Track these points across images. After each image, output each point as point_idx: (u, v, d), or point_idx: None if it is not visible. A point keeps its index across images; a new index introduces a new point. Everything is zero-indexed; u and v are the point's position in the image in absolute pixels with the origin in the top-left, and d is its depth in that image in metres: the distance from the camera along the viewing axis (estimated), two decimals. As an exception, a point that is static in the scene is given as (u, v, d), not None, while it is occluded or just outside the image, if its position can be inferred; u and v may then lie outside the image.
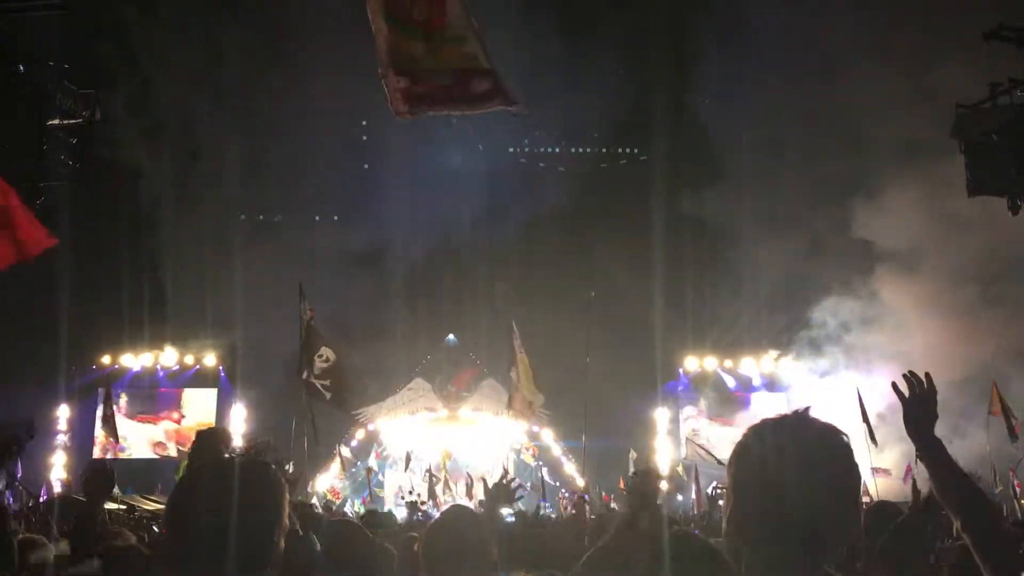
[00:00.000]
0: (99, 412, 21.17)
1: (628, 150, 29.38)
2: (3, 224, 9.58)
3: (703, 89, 25.97)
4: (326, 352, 11.85)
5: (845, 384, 17.54)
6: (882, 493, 15.00)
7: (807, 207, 22.06)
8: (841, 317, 22.68)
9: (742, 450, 1.75)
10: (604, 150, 30.27)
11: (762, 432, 1.76)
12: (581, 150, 29.92)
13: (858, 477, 1.73)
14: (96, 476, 2.94)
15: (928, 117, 16.76)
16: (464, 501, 19.37)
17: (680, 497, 19.02)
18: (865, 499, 13.17)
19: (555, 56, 25.38)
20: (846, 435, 1.74)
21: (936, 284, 20.66)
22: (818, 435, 1.72)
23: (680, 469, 20.96)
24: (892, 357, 20.87)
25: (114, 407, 18.70)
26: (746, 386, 25.80)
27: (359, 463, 24.30)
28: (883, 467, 17.43)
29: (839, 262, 22.29)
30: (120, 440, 18.56)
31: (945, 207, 18.43)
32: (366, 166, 28.63)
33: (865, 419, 15.53)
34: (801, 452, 1.69)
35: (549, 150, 30.22)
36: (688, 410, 26.34)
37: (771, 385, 25.41)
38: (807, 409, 1.77)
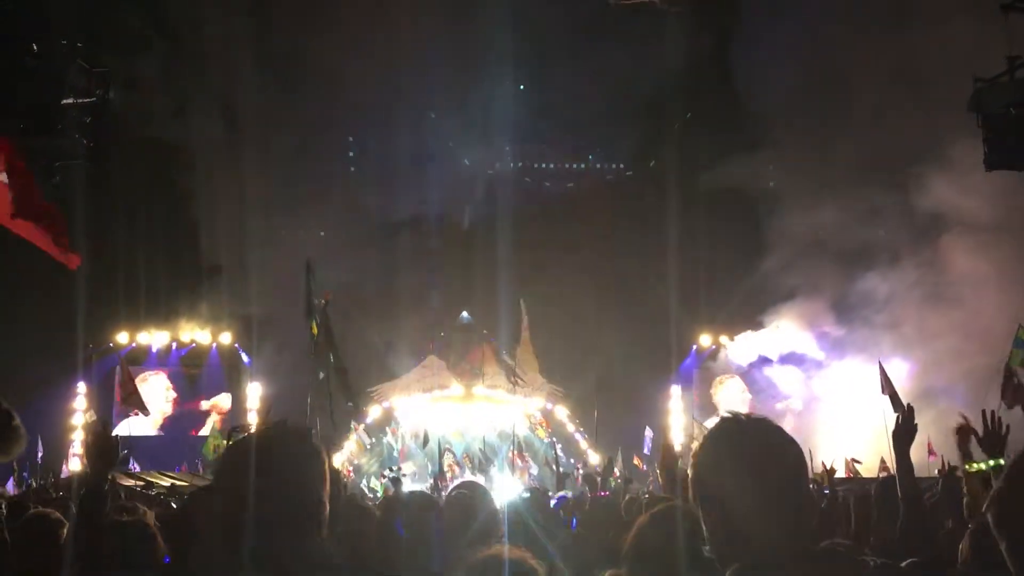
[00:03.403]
0: (117, 388, 21.26)
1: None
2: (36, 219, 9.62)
3: (727, 59, 25.45)
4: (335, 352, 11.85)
5: (866, 360, 17.43)
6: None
7: (834, 178, 21.81)
8: (860, 293, 22.53)
9: (698, 457, 1.88)
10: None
11: (714, 439, 1.87)
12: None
13: (796, 473, 1.80)
14: (97, 444, 2.91)
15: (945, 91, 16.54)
16: (478, 478, 19.47)
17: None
18: (883, 473, 13.16)
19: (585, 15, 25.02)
20: (781, 427, 1.83)
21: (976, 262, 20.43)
22: (762, 436, 1.81)
23: (694, 445, 20.98)
24: (914, 338, 20.78)
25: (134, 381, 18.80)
26: (761, 361, 25.69)
27: (373, 440, 24.42)
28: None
29: (860, 236, 22.12)
30: (147, 411, 18.58)
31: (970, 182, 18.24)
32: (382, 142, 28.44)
33: (887, 391, 15.48)
34: (748, 455, 1.78)
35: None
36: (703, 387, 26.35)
37: (788, 359, 25.31)
38: (748, 414, 1.87)
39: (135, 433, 23.29)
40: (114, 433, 3.01)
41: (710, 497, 1.80)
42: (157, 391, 25.25)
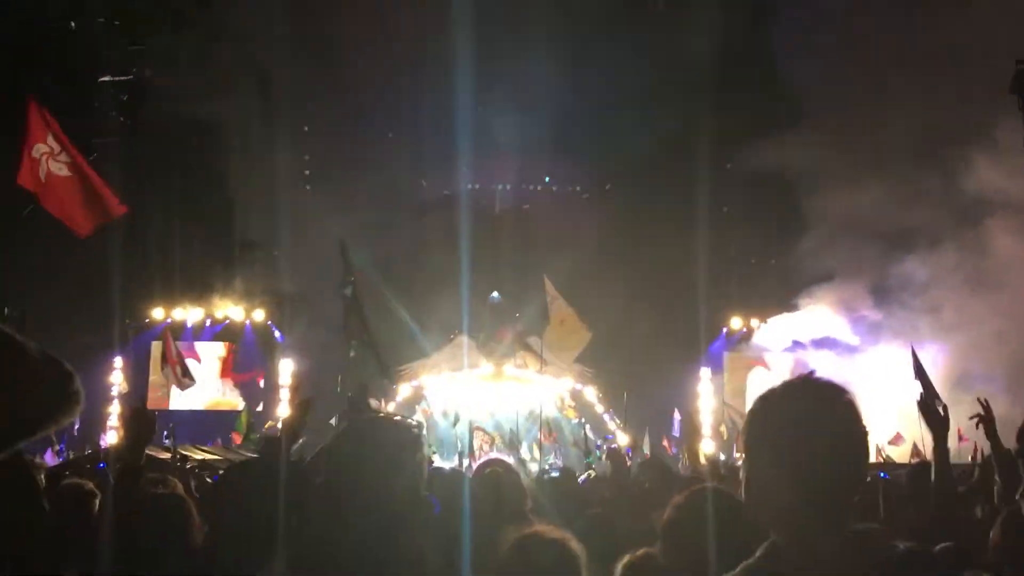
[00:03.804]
0: (158, 358, 21.46)
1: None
2: (77, 191, 9.84)
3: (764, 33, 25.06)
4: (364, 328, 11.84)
5: (902, 345, 17.22)
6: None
7: (872, 158, 21.48)
8: (898, 277, 22.24)
9: (751, 417, 1.79)
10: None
11: (769, 399, 1.79)
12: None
13: (864, 435, 1.75)
14: (134, 420, 2.99)
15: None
16: (507, 457, 19.55)
17: (723, 456, 18.98)
18: (915, 459, 13.05)
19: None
20: (851, 395, 1.76)
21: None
22: (827, 397, 1.75)
23: (723, 429, 20.91)
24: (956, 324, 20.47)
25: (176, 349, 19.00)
26: (794, 345, 25.46)
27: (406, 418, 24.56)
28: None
29: (894, 219, 21.80)
30: (189, 380, 18.77)
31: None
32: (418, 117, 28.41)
33: (920, 376, 15.34)
34: (805, 416, 1.72)
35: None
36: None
37: (822, 344, 25.01)
38: (811, 373, 1.81)
39: (179, 407, 23.67)
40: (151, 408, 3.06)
41: (752, 463, 1.78)
42: (209, 363, 25.72)
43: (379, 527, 1.90)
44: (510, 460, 14.52)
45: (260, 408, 24.27)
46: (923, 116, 20.64)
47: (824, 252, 23.07)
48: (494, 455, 18.21)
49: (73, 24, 14.26)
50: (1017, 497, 2.77)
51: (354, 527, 1.91)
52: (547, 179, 28.27)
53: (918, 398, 3.88)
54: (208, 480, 8.39)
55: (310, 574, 1.94)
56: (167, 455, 13.14)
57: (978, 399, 4.02)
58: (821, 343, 24.95)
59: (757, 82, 24.90)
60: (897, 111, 21.29)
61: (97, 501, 3.38)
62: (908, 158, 21.29)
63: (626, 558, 2.80)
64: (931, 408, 3.75)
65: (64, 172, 10.08)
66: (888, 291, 22.92)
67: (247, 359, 26.41)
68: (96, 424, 22.07)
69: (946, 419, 3.73)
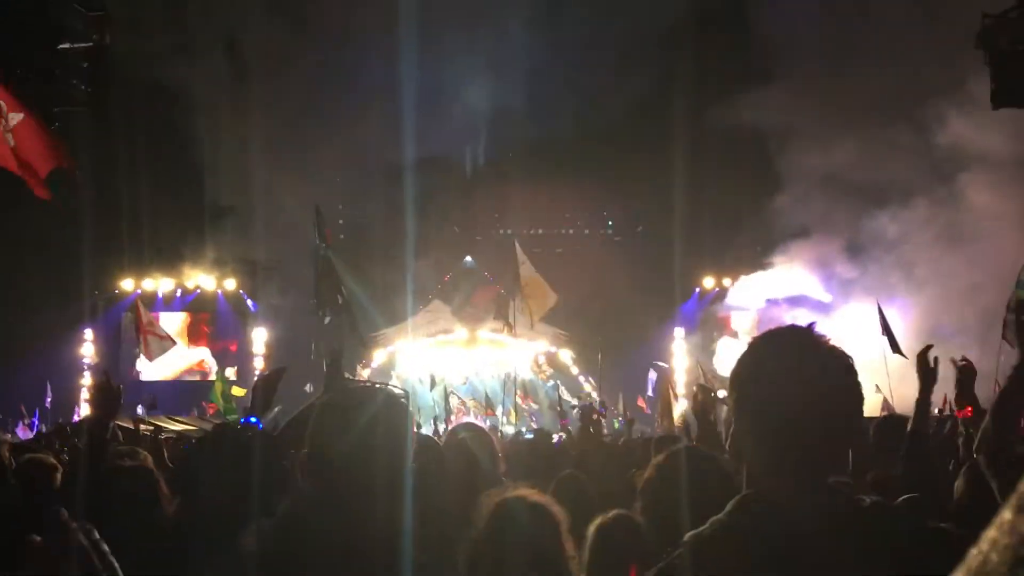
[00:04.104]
0: (129, 330, 21.23)
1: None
2: (30, 144, 9.60)
3: None
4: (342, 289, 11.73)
5: (875, 301, 17.35)
6: (900, 408, 15.00)
7: (844, 114, 21.42)
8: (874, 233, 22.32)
9: (741, 366, 1.73)
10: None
11: (761, 347, 1.74)
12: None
13: (861, 395, 1.70)
14: (99, 393, 2.95)
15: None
16: (483, 421, 19.64)
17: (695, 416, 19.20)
18: (883, 413, 13.21)
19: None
20: (848, 353, 1.70)
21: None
22: (820, 350, 1.69)
23: (695, 389, 21.11)
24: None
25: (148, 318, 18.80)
26: (767, 304, 25.60)
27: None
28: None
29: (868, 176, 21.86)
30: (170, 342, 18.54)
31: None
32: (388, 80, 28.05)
33: (886, 332, 15.51)
34: (802, 368, 1.66)
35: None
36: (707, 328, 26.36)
37: (795, 302, 25.11)
38: (811, 325, 1.73)
39: (151, 379, 23.51)
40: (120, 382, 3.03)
41: (735, 415, 1.74)
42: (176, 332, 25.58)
43: (371, 501, 1.88)
44: (485, 424, 14.58)
45: (234, 377, 24.17)
46: (894, 71, 20.66)
47: (797, 209, 23.09)
48: (466, 420, 18.31)
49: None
50: (974, 451, 2.83)
51: (345, 501, 1.88)
52: (520, 142, 28.05)
53: (918, 350, 3.91)
54: (182, 450, 8.35)
55: (293, 545, 1.91)
56: (141, 427, 13.06)
57: (963, 357, 4.06)
58: (794, 301, 25.08)
59: (729, 39, 24.77)
60: (868, 67, 21.29)
61: (59, 475, 3.36)
62: (880, 114, 21.32)
63: (598, 520, 2.81)
64: (926, 360, 3.78)
65: (10, 139, 9.79)
66: (861, 247, 23.04)
67: (221, 329, 26.27)
68: (69, 397, 21.92)
69: (935, 372, 3.78)
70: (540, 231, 28.11)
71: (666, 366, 23.37)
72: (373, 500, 1.85)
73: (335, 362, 4.34)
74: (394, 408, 1.94)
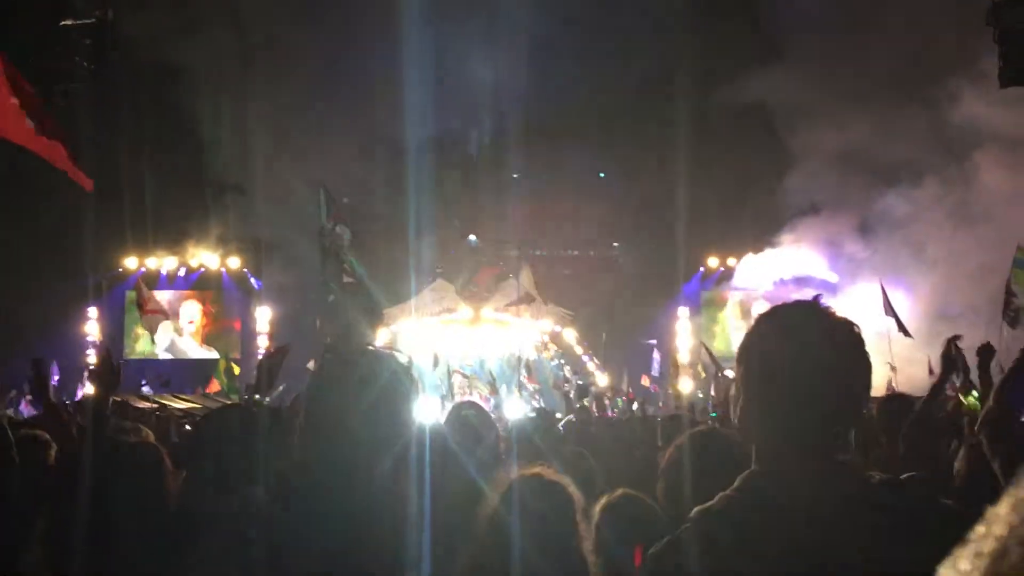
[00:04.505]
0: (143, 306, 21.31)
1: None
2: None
3: None
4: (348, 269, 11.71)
5: (881, 280, 17.28)
6: (903, 387, 15.02)
7: (853, 91, 21.18)
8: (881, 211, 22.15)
9: (749, 340, 1.72)
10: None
11: (769, 321, 1.73)
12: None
13: (868, 369, 1.68)
14: (100, 369, 2.96)
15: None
16: (487, 401, 19.69)
17: (700, 395, 19.22)
18: (888, 392, 13.21)
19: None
20: (857, 325, 1.70)
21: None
22: (828, 324, 1.68)
23: (700, 368, 21.10)
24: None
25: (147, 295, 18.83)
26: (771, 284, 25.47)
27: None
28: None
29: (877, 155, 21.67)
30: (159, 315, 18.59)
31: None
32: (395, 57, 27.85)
33: (891, 312, 15.50)
34: (810, 341, 1.65)
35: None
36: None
37: (800, 283, 24.94)
38: (817, 297, 1.72)
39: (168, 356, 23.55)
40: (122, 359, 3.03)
41: (743, 390, 1.73)
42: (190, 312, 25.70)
43: (366, 458, 1.87)
44: (491, 403, 14.62)
45: (238, 356, 24.24)
46: (905, 48, 20.39)
47: (804, 188, 22.89)
48: (468, 398, 18.35)
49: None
50: (975, 430, 2.86)
51: (339, 458, 1.88)
52: (524, 120, 27.92)
53: (925, 330, 4.01)
54: (187, 428, 8.40)
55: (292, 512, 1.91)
56: (147, 404, 13.12)
57: (956, 336, 4.06)
58: (800, 281, 24.87)
59: (736, 16, 24.52)
60: (878, 43, 21.02)
61: (53, 451, 3.37)
62: (890, 91, 21.06)
63: (603, 499, 2.80)
64: (951, 348, 3.86)
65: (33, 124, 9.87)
66: (869, 226, 22.88)
67: (226, 308, 26.29)
68: (74, 374, 21.97)
69: (957, 360, 3.87)
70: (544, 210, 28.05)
71: (653, 342, 23.35)
72: (368, 457, 1.84)
73: (338, 341, 4.35)
74: (390, 367, 1.94)
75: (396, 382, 1.96)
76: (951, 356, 3.80)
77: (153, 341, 20.97)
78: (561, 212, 28.02)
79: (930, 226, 21.22)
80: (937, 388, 3.79)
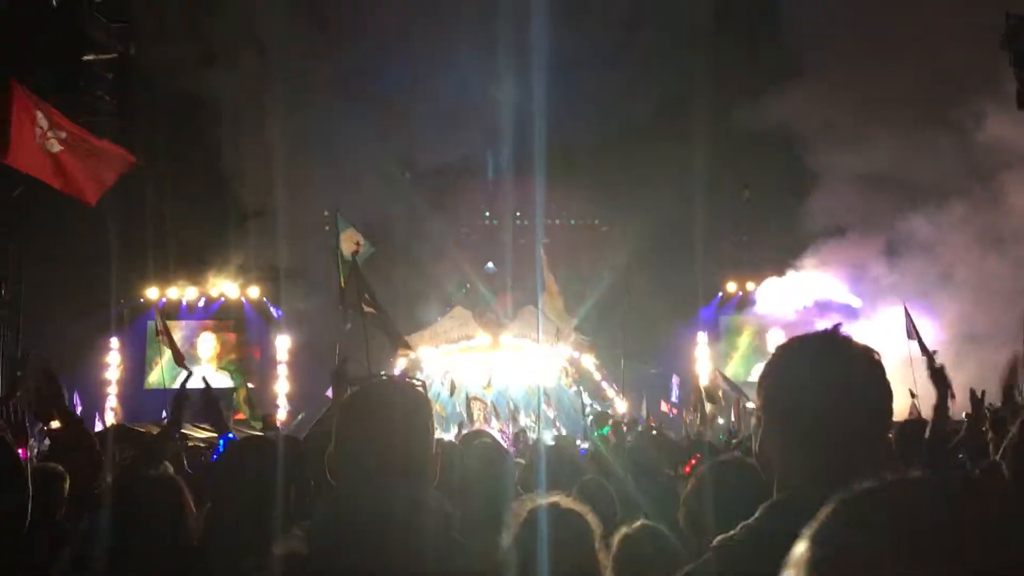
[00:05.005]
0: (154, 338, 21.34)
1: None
2: (77, 161, 9.87)
3: None
4: (368, 298, 11.68)
5: (904, 303, 17.01)
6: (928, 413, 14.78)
7: (877, 113, 20.98)
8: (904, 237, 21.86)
9: (770, 370, 1.72)
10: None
11: (790, 352, 1.72)
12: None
13: (890, 396, 1.69)
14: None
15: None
16: (507, 428, 19.61)
17: (721, 420, 19.08)
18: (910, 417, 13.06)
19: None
20: (878, 353, 1.69)
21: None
22: (849, 353, 1.68)
23: (720, 394, 20.96)
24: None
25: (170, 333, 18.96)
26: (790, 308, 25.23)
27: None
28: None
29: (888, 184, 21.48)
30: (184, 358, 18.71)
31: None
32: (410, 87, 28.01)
33: (914, 335, 15.31)
34: (831, 371, 1.65)
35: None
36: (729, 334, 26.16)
37: (822, 307, 24.60)
38: (837, 326, 1.72)
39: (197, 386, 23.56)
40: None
41: (764, 418, 1.72)
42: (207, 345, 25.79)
43: (394, 490, 1.87)
44: (510, 430, 14.53)
45: (252, 386, 24.25)
46: (928, 69, 20.17)
47: (827, 210, 22.55)
48: (481, 427, 18.24)
49: (55, 2, 14.05)
50: (999, 457, 2.80)
51: (370, 494, 1.87)
52: (542, 144, 28.00)
53: (929, 359, 3.98)
54: (203, 458, 8.41)
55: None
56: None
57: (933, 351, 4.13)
58: (823, 306, 24.45)
59: (756, 36, 24.39)
60: (901, 64, 20.79)
61: (66, 484, 3.40)
62: (915, 112, 20.77)
63: (623, 530, 2.78)
64: (940, 371, 3.84)
65: (57, 148, 10.11)
66: (894, 249, 22.52)
67: (246, 338, 26.40)
68: (96, 404, 22.10)
69: (947, 379, 3.83)
70: (559, 227, 28.05)
71: (653, 371, 23.18)
72: (396, 488, 1.84)
73: (341, 370, 4.38)
74: (411, 398, 1.96)
75: (419, 411, 1.97)
76: (942, 377, 3.82)
77: (188, 370, 21.03)
78: (579, 236, 28.06)
79: (956, 248, 20.97)
80: (939, 409, 3.78)
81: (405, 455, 1.89)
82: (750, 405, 16.71)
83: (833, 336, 1.71)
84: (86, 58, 14.88)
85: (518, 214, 28.43)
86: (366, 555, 1.76)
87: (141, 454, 2.81)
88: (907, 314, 15.49)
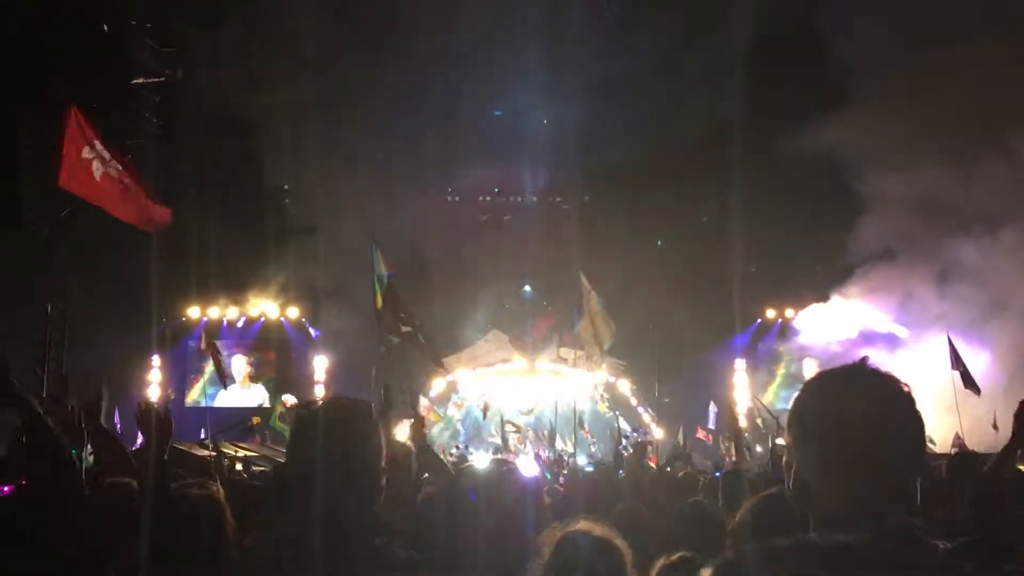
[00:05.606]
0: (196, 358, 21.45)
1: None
2: (129, 192, 10.18)
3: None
4: (405, 318, 11.78)
5: (954, 335, 16.56)
6: (972, 444, 14.49)
7: (922, 139, 20.62)
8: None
9: (800, 406, 1.72)
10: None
11: (820, 386, 1.72)
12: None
13: (922, 428, 1.68)
14: (145, 419, 3.03)
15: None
16: (543, 453, 19.55)
17: (759, 449, 18.84)
18: (954, 449, 12.82)
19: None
20: (907, 385, 1.69)
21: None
22: (879, 387, 1.67)
23: (760, 422, 20.72)
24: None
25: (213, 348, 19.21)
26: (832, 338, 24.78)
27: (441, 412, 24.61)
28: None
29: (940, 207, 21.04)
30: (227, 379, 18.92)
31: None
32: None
33: (958, 365, 14.99)
34: (861, 405, 1.65)
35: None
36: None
37: (865, 337, 24.13)
38: (864, 360, 1.72)
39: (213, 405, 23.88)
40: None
41: (796, 452, 1.72)
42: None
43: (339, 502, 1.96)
44: (546, 454, 14.48)
45: (287, 406, 24.40)
46: (985, 93, 19.82)
47: (874, 237, 22.15)
48: (530, 452, 18.10)
49: (106, 27, 14.39)
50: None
51: (318, 513, 1.98)
52: (579, 170, 27.97)
53: (999, 386, 3.84)
54: (241, 476, 8.47)
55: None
56: (205, 452, 13.25)
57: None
58: (866, 338, 23.92)
59: (801, 62, 24.09)
60: (949, 89, 20.41)
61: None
62: (965, 138, 20.37)
63: (661, 561, 2.76)
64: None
65: (114, 174, 10.44)
66: (945, 277, 22.04)
67: (284, 358, 26.65)
68: (136, 423, 22.33)
69: None
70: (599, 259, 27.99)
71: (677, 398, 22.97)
72: (338, 499, 1.95)
73: (387, 397, 4.42)
74: (354, 417, 2.04)
75: (361, 429, 2.07)
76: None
77: (225, 387, 21.20)
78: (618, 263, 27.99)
79: (1009, 277, 20.49)
80: (1009, 449, 3.61)
81: (347, 471, 2.00)
82: (780, 441, 16.45)
83: (861, 368, 1.71)
84: (135, 81, 15.21)
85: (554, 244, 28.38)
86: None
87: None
88: (951, 344, 15.23)
